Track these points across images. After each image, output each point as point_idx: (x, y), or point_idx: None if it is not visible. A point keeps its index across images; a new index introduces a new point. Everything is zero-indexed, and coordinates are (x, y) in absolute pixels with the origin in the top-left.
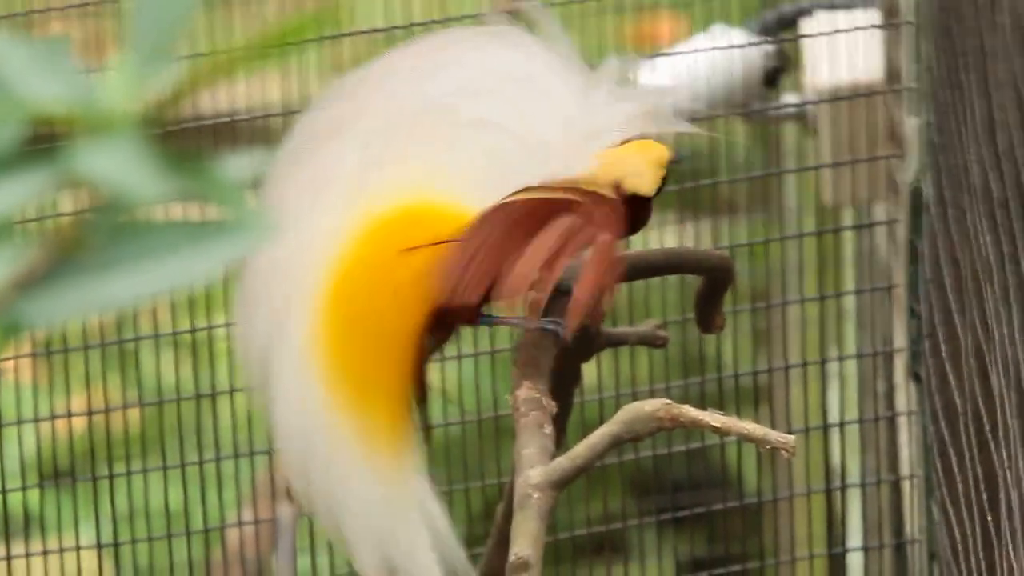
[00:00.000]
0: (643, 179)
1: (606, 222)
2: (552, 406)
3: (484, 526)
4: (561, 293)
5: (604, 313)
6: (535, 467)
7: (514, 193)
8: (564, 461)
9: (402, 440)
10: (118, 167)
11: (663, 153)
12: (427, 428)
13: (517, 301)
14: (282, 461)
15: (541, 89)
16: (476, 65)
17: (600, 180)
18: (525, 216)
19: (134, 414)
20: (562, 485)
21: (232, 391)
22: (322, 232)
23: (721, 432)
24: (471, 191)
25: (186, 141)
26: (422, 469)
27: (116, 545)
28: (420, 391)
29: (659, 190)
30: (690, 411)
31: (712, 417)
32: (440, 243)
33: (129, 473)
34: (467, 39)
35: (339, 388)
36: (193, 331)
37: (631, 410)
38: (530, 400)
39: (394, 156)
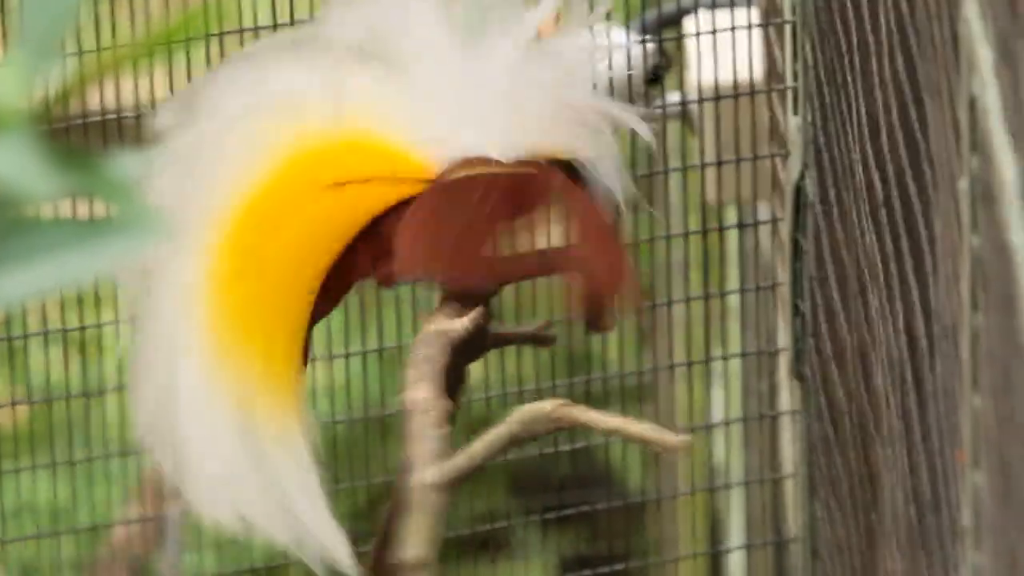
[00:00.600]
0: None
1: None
2: (447, 406)
3: (369, 524)
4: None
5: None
6: (430, 467)
7: (463, 165)
8: (461, 460)
9: (281, 395)
10: (7, 164)
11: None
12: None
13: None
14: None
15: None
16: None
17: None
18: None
19: (22, 411)
20: (457, 484)
21: (120, 388)
22: (246, 137)
23: (611, 433)
24: (409, 129)
25: (75, 138)
26: (302, 433)
27: (2, 542)
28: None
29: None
30: (586, 412)
31: (604, 418)
32: (367, 181)
33: (17, 470)
34: None
35: (220, 327)
36: (82, 328)
37: (529, 410)
38: (425, 400)
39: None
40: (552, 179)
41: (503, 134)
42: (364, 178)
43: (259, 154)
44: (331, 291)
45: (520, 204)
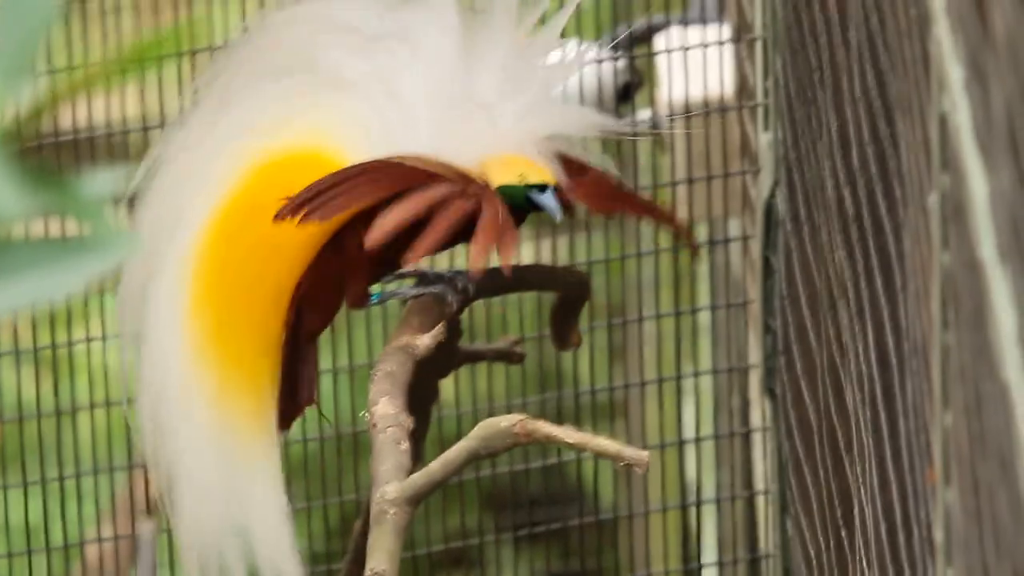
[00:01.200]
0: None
1: (486, 196)
2: (409, 422)
3: (342, 542)
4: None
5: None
6: (391, 483)
7: (393, 157)
8: (419, 477)
9: (258, 409)
10: None
11: (536, 175)
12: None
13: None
14: (138, 410)
15: (438, 55)
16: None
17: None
18: (396, 173)
19: None
20: (417, 500)
21: (92, 407)
22: (216, 159)
23: (576, 447)
24: (355, 146)
25: (47, 157)
26: (275, 448)
27: None
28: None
29: (514, 204)
30: (545, 426)
31: (567, 433)
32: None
33: None
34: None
35: (203, 334)
36: (54, 347)
37: (487, 426)
38: (387, 416)
39: (290, 100)
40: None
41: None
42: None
43: (231, 170)
44: (319, 306)
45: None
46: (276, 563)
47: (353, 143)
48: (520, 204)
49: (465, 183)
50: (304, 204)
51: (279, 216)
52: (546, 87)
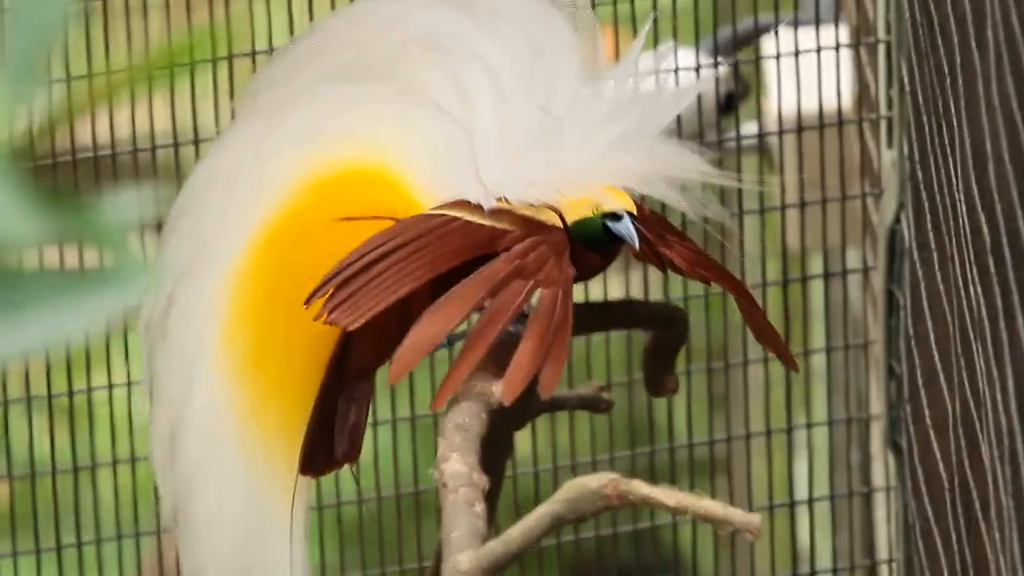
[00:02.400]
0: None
1: (550, 270)
2: (484, 481)
3: None
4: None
5: (555, 382)
6: (464, 551)
7: (448, 205)
8: (497, 546)
9: (290, 456)
10: None
11: (616, 202)
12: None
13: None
14: (151, 443)
15: (543, 76)
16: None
17: (548, 212)
18: (444, 239)
19: (2, 488)
20: (494, 572)
21: (115, 462)
22: (264, 171)
23: (676, 511)
24: (422, 169)
25: (63, 176)
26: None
27: None
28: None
29: (590, 239)
30: (642, 487)
31: (667, 494)
32: (381, 218)
33: None
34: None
35: (237, 361)
36: (70, 394)
37: (574, 487)
38: (459, 474)
39: (355, 109)
40: (527, 242)
41: (511, 184)
42: (369, 215)
43: (279, 182)
44: (370, 339)
45: (454, 256)
46: None
47: (420, 166)
48: (599, 236)
49: (533, 241)
50: (333, 297)
51: (309, 301)
52: (640, 119)
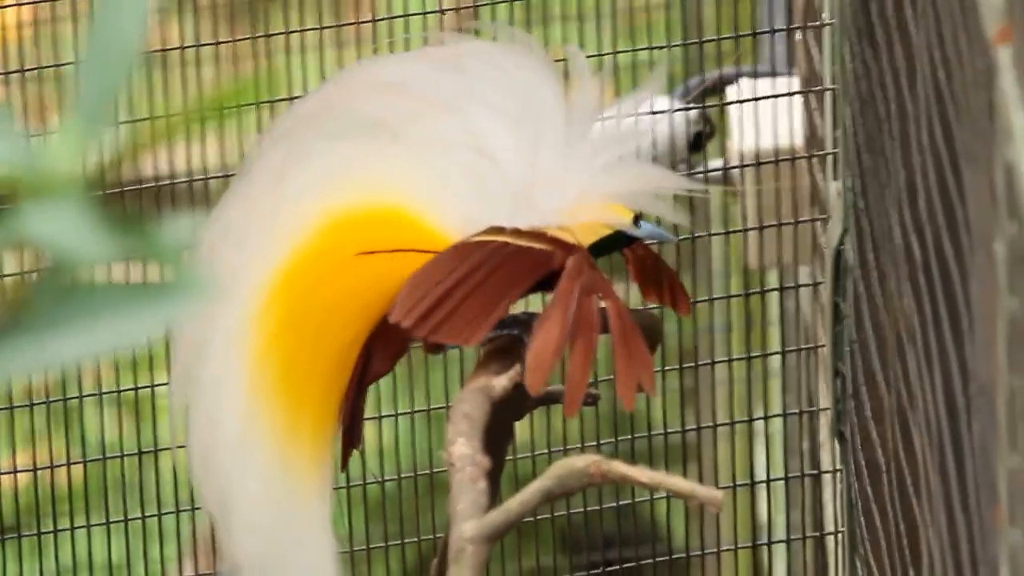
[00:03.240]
0: (583, 232)
1: (602, 284)
2: (486, 462)
3: None
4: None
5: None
6: (468, 521)
7: (485, 232)
8: (496, 515)
9: (317, 456)
10: (62, 229)
11: (620, 218)
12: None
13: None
14: (187, 449)
15: (538, 117)
16: (484, 78)
17: (567, 233)
18: (508, 262)
19: (77, 470)
20: (494, 538)
21: (174, 448)
22: (285, 212)
23: (649, 487)
24: (441, 205)
25: (128, 203)
26: (327, 492)
27: None
28: (352, 416)
29: (609, 251)
30: (619, 466)
31: (641, 472)
32: (402, 251)
33: (73, 528)
34: (485, 51)
35: (266, 383)
36: (135, 389)
37: (563, 466)
38: (464, 456)
39: (377, 149)
40: (571, 260)
41: (526, 213)
42: (391, 248)
43: (300, 224)
44: (387, 353)
45: (526, 276)
46: None
47: (440, 203)
48: (620, 247)
49: (577, 259)
50: (427, 317)
51: (396, 318)
52: (623, 146)
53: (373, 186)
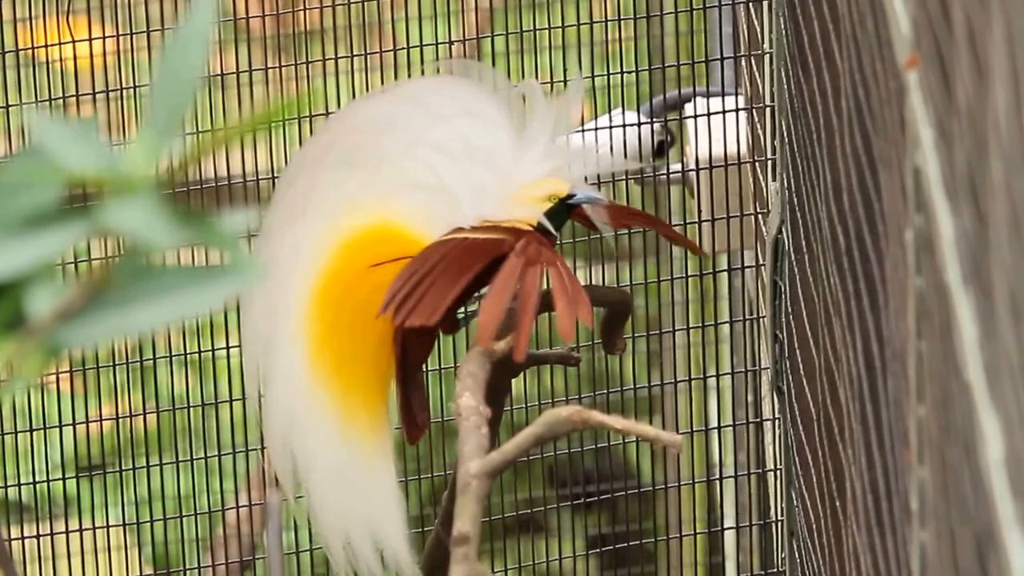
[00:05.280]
0: (530, 209)
1: (546, 255)
2: (488, 411)
3: (433, 509)
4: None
5: (590, 316)
6: (473, 460)
7: (451, 232)
8: (496, 455)
9: (375, 425)
10: (138, 221)
11: (560, 190)
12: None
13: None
14: (266, 431)
15: (491, 134)
16: (436, 110)
17: (518, 220)
18: (464, 253)
19: (152, 419)
20: (495, 474)
21: (231, 400)
22: (310, 238)
23: (622, 432)
24: (423, 218)
25: (191, 200)
26: (389, 455)
27: (138, 524)
28: (408, 399)
29: (559, 222)
30: (597, 415)
31: (615, 420)
32: (400, 259)
33: (148, 466)
34: (435, 87)
35: (321, 374)
36: (200, 352)
37: (550, 415)
38: (470, 407)
39: (368, 180)
40: (520, 242)
41: (482, 208)
42: (393, 259)
43: (321, 245)
44: (420, 342)
45: (479, 260)
46: (392, 541)
47: (422, 219)
48: (564, 215)
49: (525, 241)
50: (402, 306)
51: (383, 311)
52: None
53: (368, 209)
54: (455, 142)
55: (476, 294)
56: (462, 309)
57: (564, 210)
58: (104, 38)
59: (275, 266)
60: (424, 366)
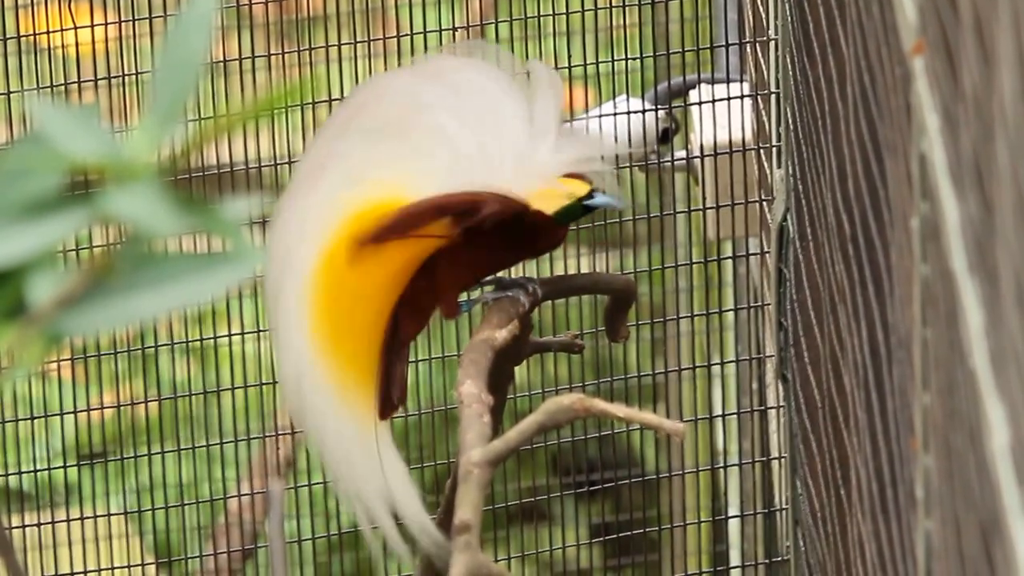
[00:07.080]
0: (547, 202)
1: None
2: (490, 399)
3: (436, 497)
4: (504, 286)
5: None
6: (475, 448)
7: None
8: (498, 443)
9: (366, 398)
10: (140, 208)
11: (579, 189)
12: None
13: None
14: (285, 397)
15: (504, 114)
16: (458, 87)
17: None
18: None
19: (153, 406)
20: (497, 462)
21: (233, 388)
22: (318, 212)
23: (625, 420)
24: (438, 191)
25: (194, 187)
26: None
27: (139, 512)
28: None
29: (572, 218)
30: (600, 403)
31: (618, 408)
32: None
33: (149, 454)
34: (457, 66)
35: (321, 343)
36: (201, 340)
37: (553, 403)
38: (472, 394)
39: (387, 151)
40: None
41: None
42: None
43: (333, 214)
44: (414, 317)
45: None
46: (405, 503)
47: (447, 191)
48: (578, 214)
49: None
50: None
51: (364, 241)
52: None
53: (381, 182)
54: (474, 117)
55: (483, 279)
56: (465, 295)
57: (580, 209)
58: (106, 24)
59: (287, 231)
60: (426, 360)
